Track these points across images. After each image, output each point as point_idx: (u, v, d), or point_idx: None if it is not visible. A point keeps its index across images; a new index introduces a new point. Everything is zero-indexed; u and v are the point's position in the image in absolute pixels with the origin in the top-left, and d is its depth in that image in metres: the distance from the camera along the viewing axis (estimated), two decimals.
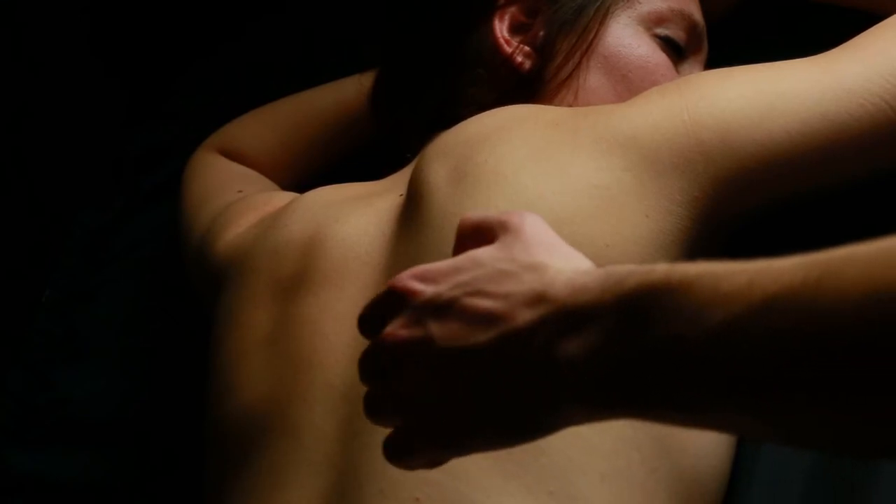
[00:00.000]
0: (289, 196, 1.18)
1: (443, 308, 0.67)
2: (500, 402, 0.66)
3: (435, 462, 0.72)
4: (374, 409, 0.72)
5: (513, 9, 1.11)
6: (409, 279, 0.69)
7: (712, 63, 1.12)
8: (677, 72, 1.09)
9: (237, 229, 1.14)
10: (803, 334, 0.56)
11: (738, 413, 0.60)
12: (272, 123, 1.34)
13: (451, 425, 0.68)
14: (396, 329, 0.69)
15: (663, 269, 0.62)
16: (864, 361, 0.54)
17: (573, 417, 0.67)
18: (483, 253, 0.69)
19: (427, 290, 0.68)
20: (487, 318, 0.66)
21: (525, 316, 0.65)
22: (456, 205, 0.95)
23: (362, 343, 0.89)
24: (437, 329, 0.67)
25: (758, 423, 0.60)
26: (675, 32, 1.10)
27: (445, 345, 0.67)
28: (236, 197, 1.22)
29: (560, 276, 0.66)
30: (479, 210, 0.75)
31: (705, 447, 0.93)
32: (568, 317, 0.64)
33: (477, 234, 0.72)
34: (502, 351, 0.65)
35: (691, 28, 1.11)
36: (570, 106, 1.07)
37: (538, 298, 0.65)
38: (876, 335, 0.54)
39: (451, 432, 0.69)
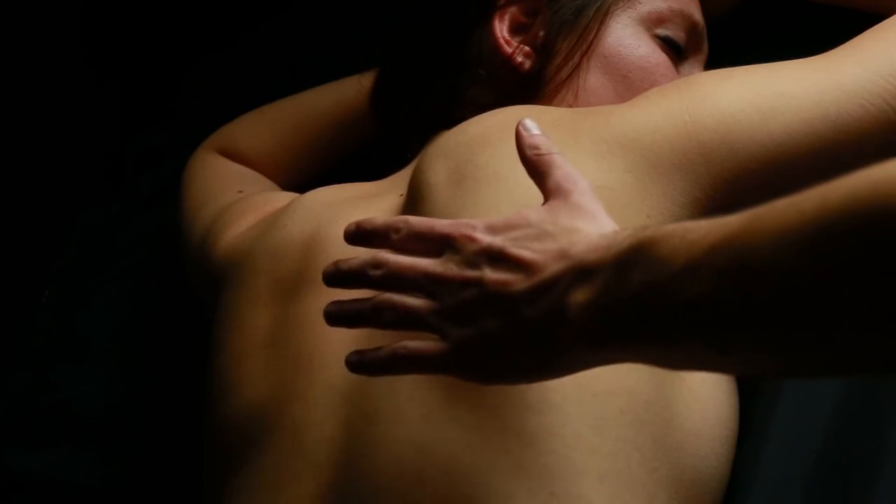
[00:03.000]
0: (289, 196, 1.18)
1: (495, 256, 0.80)
2: (524, 342, 0.79)
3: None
4: (402, 317, 0.83)
5: (513, 9, 1.11)
6: (480, 230, 0.82)
7: (712, 63, 1.12)
8: (677, 72, 1.10)
9: (237, 230, 1.14)
10: (736, 271, 0.67)
11: (700, 345, 0.71)
12: (272, 124, 1.34)
13: (482, 357, 0.81)
14: (462, 269, 0.81)
15: (653, 228, 0.74)
16: (777, 292, 0.65)
17: (580, 358, 0.78)
18: (533, 213, 0.82)
19: (484, 238, 0.81)
20: (526, 268, 0.79)
21: (552, 268, 0.78)
22: (456, 206, 0.95)
23: (363, 343, 0.90)
24: (490, 273, 0.80)
25: (715, 355, 0.71)
26: (675, 33, 1.10)
27: (493, 288, 0.79)
28: (236, 197, 1.22)
29: (584, 238, 0.79)
30: (561, 172, 0.85)
31: (705, 447, 0.93)
32: (580, 270, 0.76)
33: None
34: (532, 297, 0.78)
35: (691, 28, 1.11)
36: (571, 106, 1.07)
37: (563, 255, 0.78)
38: (786, 270, 0.65)
39: (480, 363, 0.81)
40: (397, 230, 0.85)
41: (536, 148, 0.86)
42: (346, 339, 0.94)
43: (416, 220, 0.85)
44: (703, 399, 0.93)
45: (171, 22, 1.53)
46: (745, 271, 0.66)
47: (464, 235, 0.82)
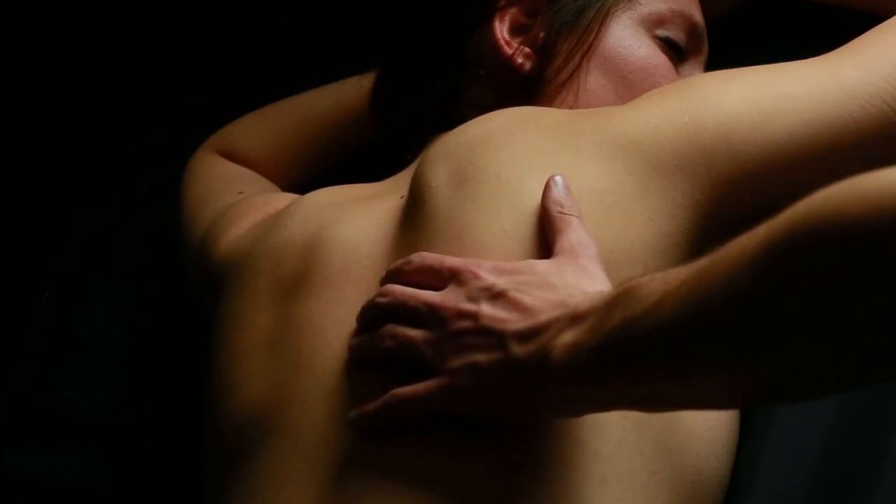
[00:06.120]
0: (289, 197, 1.18)
1: (495, 295, 0.84)
2: (511, 379, 0.81)
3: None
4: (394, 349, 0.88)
5: (513, 10, 1.11)
6: (486, 270, 0.86)
7: (712, 63, 1.12)
8: (677, 73, 1.09)
9: (237, 230, 1.14)
10: (696, 300, 0.70)
11: (666, 378, 0.74)
12: (272, 124, 1.34)
13: (471, 389, 0.83)
14: (461, 301, 0.85)
15: (642, 273, 0.77)
16: (731, 316, 0.68)
17: (568, 399, 0.81)
18: (542, 265, 0.86)
19: (488, 278, 0.85)
20: (524, 311, 0.82)
21: (549, 314, 0.81)
22: (457, 207, 0.95)
23: None
24: (487, 309, 0.83)
25: (682, 387, 0.74)
26: (675, 34, 1.10)
27: (487, 323, 0.83)
28: (237, 198, 1.22)
29: (583, 293, 0.82)
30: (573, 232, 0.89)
31: (706, 449, 0.93)
32: (573, 317, 0.79)
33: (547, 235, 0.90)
34: (524, 336, 0.81)
35: (691, 29, 1.11)
36: (571, 107, 1.07)
37: (561, 304, 0.81)
38: (739, 294, 0.67)
39: (470, 395, 0.83)
40: (409, 262, 0.91)
41: (560, 205, 0.90)
42: (346, 341, 0.94)
43: (428, 254, 0.90)
44: None
45: (171, 22, 1.53)
46: (704, 299, 0.70)
47: (469, 271, 0.86)
